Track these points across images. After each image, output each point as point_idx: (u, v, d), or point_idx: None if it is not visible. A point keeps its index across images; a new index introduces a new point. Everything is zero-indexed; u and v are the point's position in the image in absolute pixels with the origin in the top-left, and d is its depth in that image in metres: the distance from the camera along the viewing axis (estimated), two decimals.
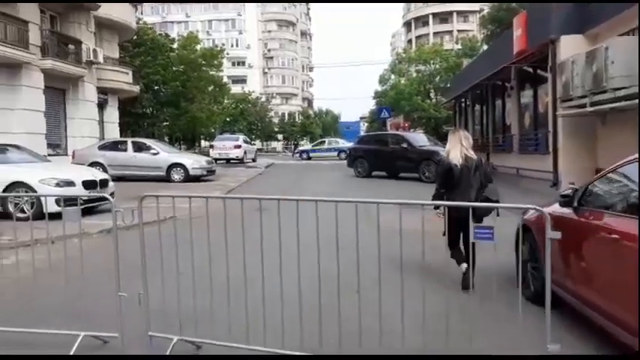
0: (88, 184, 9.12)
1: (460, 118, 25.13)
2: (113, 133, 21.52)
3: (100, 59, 18.99)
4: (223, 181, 16.81)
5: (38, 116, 15.91)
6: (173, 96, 31.93)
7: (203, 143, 46.48)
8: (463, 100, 23.46)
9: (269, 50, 73.77)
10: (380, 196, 12.35)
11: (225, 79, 41.90)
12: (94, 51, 18.59)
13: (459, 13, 71.90)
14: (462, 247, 4.98)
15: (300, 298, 3.38)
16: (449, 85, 57.06)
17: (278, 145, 69.94)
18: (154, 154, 15.94)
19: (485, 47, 50.84)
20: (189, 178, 15.86)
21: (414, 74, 58.74)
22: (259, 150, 41.27)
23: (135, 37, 27.26)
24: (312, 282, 3.41)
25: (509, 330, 3.45)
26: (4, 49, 13.84)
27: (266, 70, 74.34)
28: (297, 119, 71.50)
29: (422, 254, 3.34)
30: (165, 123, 34.87)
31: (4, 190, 8.55)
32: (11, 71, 15.08)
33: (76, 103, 18.40)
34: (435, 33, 72.06)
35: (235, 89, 54.59)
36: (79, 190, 8.93)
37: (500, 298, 3.71)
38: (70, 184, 8.85)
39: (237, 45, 70.31)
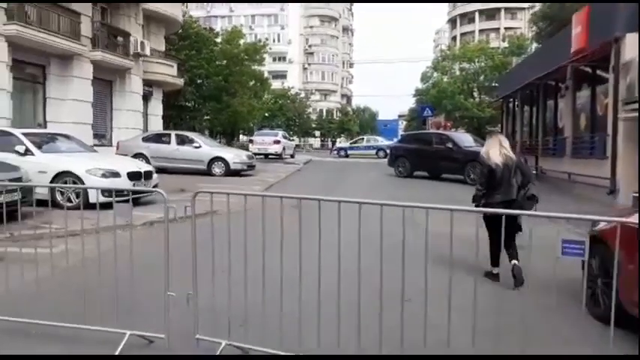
0: (133, 176, 9.18)
1: (507, 118, 24.29)
2: (157, 125, 21.88)
3: (147, 52, 19.30)
4: (262, 176, 16.77)
5: (86, 107, 16.29)
6: (215, 90, 32.24)
7: (241, 138, 46.92)
8: (511, 100, 22.63)
9: (310, 46, 73.65)
10: (424, 199, 12.05)
11: (265, 74, 42.02)
12: (142, 43, 18.90)
13: (506, 10, 69.78)
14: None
15: (343, 299, 3.22)
16: (496, 84, 55.87)
17: (315, 142, 69.89)
18: (197, 147, 16.06)
19: (534, 46, 49.32)
20: (229, 172, 15.91)
21: (457, 72, 57.51)
22: (296, 146, 41.31)
23: (180, 31, 27.61)
24: (355, 286, 3.21)
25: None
26: (58, 40, 14.20)
27: (306, 66, 74.27)
28: (335, 116, 71.19)
29: (473, 260, 3.07)
30: (206, 117, 35.34)
31: (53, 179, 8.72)
32: (63, 62, 15.48)
33: (122, 95, 18.77)
34: (480, 30, 70.27)
35: (275, 84, 54.77)
36: (123, 182, 9.01)
37: (566, 315, 3.41)
38: (116, 175, 8.92)
39: (278, 40, 70.52)
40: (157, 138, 16.69)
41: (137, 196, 9.32)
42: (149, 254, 4.91)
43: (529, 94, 19.11)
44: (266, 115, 49.02)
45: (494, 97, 54.74)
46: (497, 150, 5.14)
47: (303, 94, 64.53)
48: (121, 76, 18.59)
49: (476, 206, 4.92)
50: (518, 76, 20.00)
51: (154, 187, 9.89)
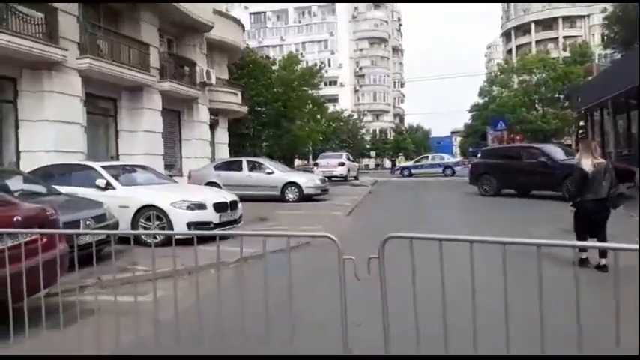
0: (219, 207, 8.43)
1: (593, 129, 22.28)
2: (223, 153, 21.56)
3: (213, 80, 19.07)
4: (337, 200, 15.82)
5: (157, 138, 16.05)
6: (275, 116, 32.05)
7: (296, 162, 46.61)
8: (598, 110, 20.74)
9: (360, 68, 73.34)
10: (527, 219, 10.66)
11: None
12: (207, 72, 18.69)
13: (564, 18, 66.86)
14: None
15: None
16: (559, 95, 53.08)
17: (370, 163, 68.81)
18: (269, 173, 15.40)
19: (606, 51, 46.49)
20: (303, 198, 15.11)
21: (516, 85, 55.14)
22: None
23: (238, 60, 27.62)
24: None
25: None
26: (129, 72, 14.02)
27: (357, 88, 73.87)
28: (389, 136, 70.01)
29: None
30: (265, 143, 35.19)
31: (136, 214, 8.10)
32: (133, 94, 15.33)
33: (190, 125, 18.53)
34: (537, 41, 67.56)
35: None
36: (210, 214, 8.28)
37: None
38: (202, 207, 8.20)
39: (329, 65, 70.62)
40: (228, 165, 16.19)
41: (225, 228, 8.59)
42: (251, 297, 3.92)
43: (623, 103, 17.28)
44: (320, 138, 48.59)
45: (558, 109, 52.30)
46: (589, 158, 6.01)
47: (355, 116, 64.01)
48: (189, 106, 18.37)
49: (572, 204, 6.15)
50: (604, 85, 18.26)
51: (239, 218, 9.13)
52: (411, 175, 32.33)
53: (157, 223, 8.01)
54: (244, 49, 30.31)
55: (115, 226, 7.26)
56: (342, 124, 58.57)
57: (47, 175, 8.68)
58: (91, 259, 5.08)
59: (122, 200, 8.03)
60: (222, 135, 22.09)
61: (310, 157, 48.73)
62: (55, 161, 10.61)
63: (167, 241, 8.23)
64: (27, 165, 11.02)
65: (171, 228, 7.92)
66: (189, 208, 8.06)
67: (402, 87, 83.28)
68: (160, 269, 6.49)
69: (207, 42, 20.08)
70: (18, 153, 11.73)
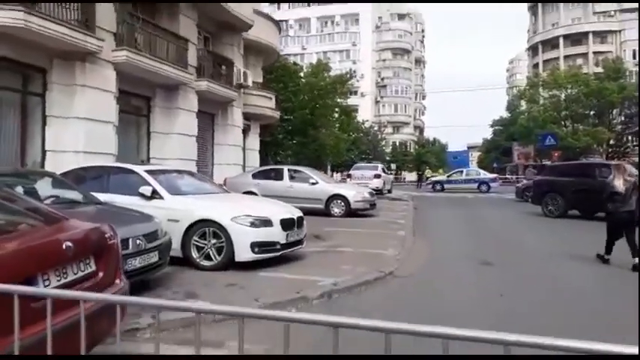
0: (286, 224, 6.98)
1: None
2: (254, 161, 20.20)
3: (250, 82, 17.77)
4: (385, 216, 14.33)
5: (191, 141, 14.72)
6: (302, 124, 30.72)
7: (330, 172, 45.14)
8: None
9: (382, 79, 72.00)
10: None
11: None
12: (244, 74, 17.40)
13: (595, 33, 65.04)
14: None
15: None
16: (590, 112, 51.18)
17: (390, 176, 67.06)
18: (313, 183, 13.96)
19: None
20: (350, 212, 13.63)
21: (544, 100, 53.33)
22: None
23: (271, 63, 26.38)
24: None
25: None
26: (167, 68, 12.72)
27: (378, 99, 72.50)
28: (410, 148, 68.41)
29: None
30: (289, 151, 33.88)
31: (188, 229, 6.68)
32: (168, 93, 14.05)
33: (224, 129, 17.21)
34: (566, 56, 65.70)
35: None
36: (276, 232, 6.83)
37: None
38: (267, 223, 6.75)
39: (348, 76, 69.42)
40: (268, 174, 14.78)
41: (289, 250, 7.15)
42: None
43: None
44: (347, 149, 47.14)
45: (590, 125, 50.40)
46: (621, 178, 7.45)
47: (376, 127, 62.58)
48: (223, 109, 17.06)
49: (607, 213, 7.79)
50: None
51: (304, 237, 7.67)
52: (443, 189, 30.74)
53: (214, 241, 6.58)
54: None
55: (168, 246, 5.85)
56: (362, 134, 57.18)
57: (79, 178, 7.33)
58: (138, 288, 3.69)
59: (171, 212, 6.62)
60: (254, 141, 20.74)
61: (329, 168, 47.25)
62: (84, 163, 9.29)
63: (228, 264, 6.86)
64: (52, 166, 9.75)
65: (232, 248, 6.48)
66: (253, 224, 6.61)
67: (423, 99, 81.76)
68: (226, 309, 5.08)
69: (244, 42, 18.83)
70: (43, 152, 10.42)
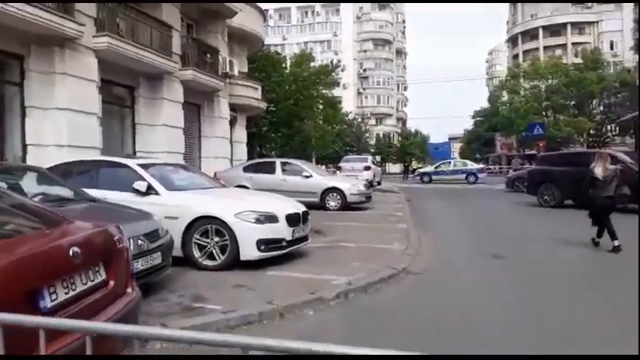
0: (292, 220, 6.54)
1: None
2: (241, 154, 19.66)
3: (236, 72, 17.20)
4: (381, 209, 13.98)
5: (178, 133, 14.11)
6: (286, 115, 30.16)
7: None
8: None
9: (364, 70, 71.64)
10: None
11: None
12: (230, 62, 16.81)
13: (573, 24, 65.72)
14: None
15: None
16: (570, 103, 51.73)
17: None
18: (307, 176, 13.51)
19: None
20: (345, 206, 13.25)
21: (524, 91, 53.66)
22: None
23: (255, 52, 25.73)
24: None
25: None
26: (150, 56, 12.09)
27: (361, 90, 72.17)
28: (394, 140, 68.36)
29: None
30: (273, 144, 33.30)
31: (188, 227, 6.19)
32: (152, 83, 13.40)
33: (210, 120, 16.61)
34: (545, 47, 66.27)
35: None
36: (282, 228, 6.38)
37: None
38: (273, 219, 6.29)
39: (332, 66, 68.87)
40: (260, 167, 14.25)
41: (295, 247, 6.73)
42: None
43: None
44: (332, 140, 46.70)
45: (570, 116, 50.94)
46: (601, 166, 7.70)
47: (359, 119, 62.29)
48: (209, 100, 16.46)
49: (590, 198, 7.86)
50: None
51: (309, 232, 7.25)
52: (430, 181, 30.57)
53: (217, 239, 6.10)
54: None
55: (170, 245, 5.36)
56: (345, 126, 56.80)
57: (66, 174, 6.73)
58: (141, 292, 3.25)
59: (169, 209, 6.11)
60: (241, 133, 20.19)
61: (313, 160, 46.80)
62: (67, 157, 8.65)
63: (232, 264, 6.40)
64: (34, 161, 9.14)
65: (236, 246, 6.02)
66: (258, 220, 6.15)
67: (405, 90, 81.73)
68: (239, 310, 4.64)
69: (228, 30, 18.19)
70: (24, 146, 9.73)
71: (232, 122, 19.02)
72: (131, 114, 13.23)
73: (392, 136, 71.28)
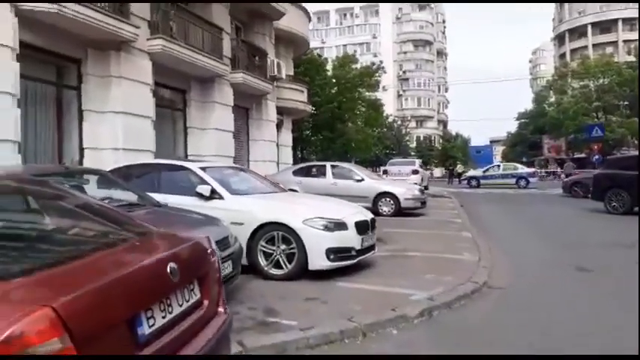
0: (361, 227, 6.11)
1: None
2: (287, 157, 19.43)
3: (283, 74, 16.97)
4: (436, 215, 13.38)
5: (228, 137, 13.98)
6: (329, 118, 29.87)
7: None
8: None
9: (404, 72, 70.70)
10: None
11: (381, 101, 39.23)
12: (278, 65, 16.59)
13: (624, 20, 62.80)
14: None
15: None
16: (624, 103, 49.22)
17: None
18: (358, 180, 13.08)
19: None
20: (399, 211, 12.73)
21: (573, 91, 51.46)
22: None
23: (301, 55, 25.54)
24: None
25: None
26: (203, 59, 11.97)
27: (400, 93, 71.23)
28: (435, 143, 67.06)
29: None
30: (315, 147, 33.06)
31: (253, 234, 5.87)
32: (203, 86, 13.32)
33: (258, 124, 16.44)
34: (594, 45, 63.59)
35: None
36: (352, 236, 5.97)
37: None
38: (342, 226, 5.90)
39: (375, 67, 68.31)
40: (309, 171, 13.94)
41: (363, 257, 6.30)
42: None
43: None
44: (375, 143, 46.11)
45: (623, 116, 48.43)
46: None
47: (399, 122, 61.41)
48: (258, 102, 16.29)
49: None
50: None
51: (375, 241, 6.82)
52: (479, 185, 29.56)
53: (284, 247, 5.75)
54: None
55: (240, 254, 5.06)
56: (385, 129, 56.07)
57: (127, 177, 6.57)
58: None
59: (234, 214, 5.80)
60: (287, 136, 19.95)
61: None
62: (123, 160, 8.61)
63: (300, 273, 6.03)
64: (90, 164, 9.07)
65: (304, 255, 5.65)
66: (326, 228, 5.76)
67: (446, 92, 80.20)
68: (317, 327, 4.25)
69: (275, 32, 18.01)
70: (81, 149, 9.73)
71: (279, 125, 18.82)
72: (182, 117, 13.16)
73: (433, 138, 70.00)
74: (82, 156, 9.64)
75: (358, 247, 6.03)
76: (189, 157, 12.77)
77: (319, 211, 5.99)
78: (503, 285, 5.90)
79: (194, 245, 2.43)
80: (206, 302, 2.40)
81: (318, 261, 5.68)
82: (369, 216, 6.49)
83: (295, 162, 21.00)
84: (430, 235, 9.67)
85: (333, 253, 5.73)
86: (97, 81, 9.76)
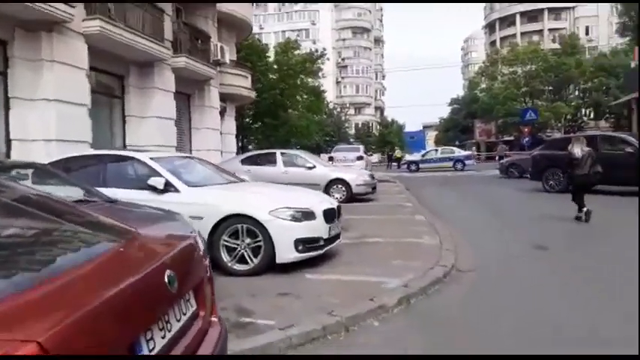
0: (328, 216, 5.91)
1: None
2: (231, 146, 18.85)
3: (227, 59, 16.35)
4: (386, 199, 13.49)
5: (170, 125, 13.29)
6: (272, 105, 29.33)
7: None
8: None
9: (343, 59, 70.99)
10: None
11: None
12: (222, 49, 15.95)
13: (550, 10, 66.29)
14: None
15: None
16: (547, 88, 52.06)
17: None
18: (310, 167, 12.86)
19: (620, 40, 45.80)
20: (351, 197, 12.67)
21: (500, 77, 53.85)
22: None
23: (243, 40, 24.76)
24: None
25: None
26: (143, 42, 11.22)
27: (339, 80, 71.51)
28: (373, 129, 68.07)
29: None
30: (258, 135, 32.45)
31: (215, 228, 5.51)
32: (143, 71, 12.53)
33: (201, 110, 15.77)
34: (522, 33, 66.77)
35: None
36: (320, 226, 5.75)
37: None
38: (310, 215, 5.66)
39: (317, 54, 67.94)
40: (258, 159, 13.52)
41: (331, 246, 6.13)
42: None
43: None
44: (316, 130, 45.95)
45: (548, 101, 51.27)
46: (579, 147, 9.10)
47: (339, 109, 61.69)
48: (200, 89, 15.60)
49: (570, 178, 9.83)
50: None
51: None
52: (418, 169, 30.29)
53: (248, 240, 5.44)
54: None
55: (206, 250, 4.68)
56: (325, 116, 56.12)
57: (67, 171, 5.97)
58: None
59: (192, 208, 5.39)
60: (230, 124, 19.34)
61: None
62: (55, 153, 7.85)
63: (261, 268, 5.76)
64: (19, 158, 8.24)
65: (272, 248, 5.38)
66: (295, 218, 5.51)
67: (383, 79, 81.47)
68: (297, 324, 4.02)
69: (217, 16, 17.29)
70: (8, 142, 8.82)
71: (222, 113, 18.16)
72: (121, 105, 12.34)
73: (371, 125, 70.98)
74: (8, 148, 8.76)
75: (326, 236, 5.82)
76: (127, 148, 12.02)
77: (285, 200, 5.72)
78: (471, 267, 5.92)
79: (188, 247, 2.11)
80: (202, 313, 2.10)
81: (286, 253, 5.42)
82: (334, 204, 6.29)
83: (238, 151, 20.48)
84: (385, 220, 9.65)
85: (302, 243, 5.49)
86: (26, 65, 8.86)
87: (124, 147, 12.17)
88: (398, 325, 4.19)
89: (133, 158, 6.16)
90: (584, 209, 8.78)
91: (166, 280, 1.75)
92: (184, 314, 1.92)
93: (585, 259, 6.45)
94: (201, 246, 2.33)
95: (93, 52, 10.37)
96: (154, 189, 5.66)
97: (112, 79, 12.12)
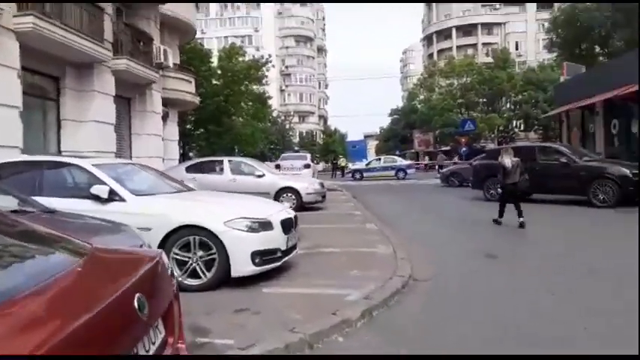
0: (286, 226, 5.72)
1: (570, 127, 21.84)
2: (173, 153, 18.20)
3: (170, 62, 15.77)
4: (335, 208, 13.46)
5: (109, 130, 12.60)
6: (216, 111, 28.72)
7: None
8: (580, 109, 20.27)
9: (286, 67, 70.98)
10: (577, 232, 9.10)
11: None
12: (165, 52, 15.38)
13: (483, 25, 69.65)
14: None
15: None
16: (482, 100, 54.50)
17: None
18: (259, 176, 12.59)
19: (547, 56, 48.64)
20: (301, 206, 12.52)
21: (437, 89, 55.91)
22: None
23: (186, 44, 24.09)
24: None
25: None
26: (81, 41, 10.56)
27: (283, 88, 71.42)
28: (317, 138, 68.43)
29: None
30: (201, 142, 31.63)
31: (164, 240, 5.17)
32: (81, 73, 11.82)
33: (142, 116, 15.10)
34: (458, 46, 69.69)
35: None
36: (278, 236, 5.55)
37: None
38: (267, 226, 5.44)
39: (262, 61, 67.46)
40: (204, 167, 13.08)
41: (289, 256, 5.94)
42: None
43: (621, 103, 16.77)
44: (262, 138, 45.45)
45: (483, 112, 53.70)
46: (509, 158, 9.55)
47: (283, 117, 61.57)
48: (141, 93, 14.94)
49: (501, 187, 10.07)
50: (592, 84, 17.73)
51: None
52: (362, 177, 30.64)
53: (201, 253, 5.15)
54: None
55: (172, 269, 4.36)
56: (269, 124, 55.81)
57: None
58: None
59: (139, 219, 5.02)
60: (173, 130, 18.68)
61: None
62: None
63: (215, 283, 5.44)
64: None
65: (227, 260, 5.12)
66: (251, 229, 5.27)
67: (326, 88, 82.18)
68: (258, 343, 3.79)
69: (160, 18, 16.69)
70: None
71: (164, 118, 17.50)
72: (56, 108, 11.55)
73: (315, 134, 71.34)
74: None
75: (284, 247, 5.62)
76: (62, 154, 11.25)
77: (241, 210, 5.46)
78: (427, 277, 5.92)
79: (155, 265, 1.88)
80: (170, 340, 1.87)
81: (242, 267, 5.17)
82: (292, 213, 6.10)
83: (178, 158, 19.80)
84: (337, 230, 9.57)
85: (259, 256, 5.26)
86: None
87: (59, 152, 11.38)
88: (363, 340, 4.06)
89: (72, 164, 5.71)
90: (522, 220, 9.27)
91: (136, 304, 1.52)
92: (153, 343, 1.69)
93: (535, 263, 6.65)
94: (167, 263, 2.09)
95: (25, 51, 9.62)
96: (96, 198, 5.25)
97: (46, 81, 11.32)
